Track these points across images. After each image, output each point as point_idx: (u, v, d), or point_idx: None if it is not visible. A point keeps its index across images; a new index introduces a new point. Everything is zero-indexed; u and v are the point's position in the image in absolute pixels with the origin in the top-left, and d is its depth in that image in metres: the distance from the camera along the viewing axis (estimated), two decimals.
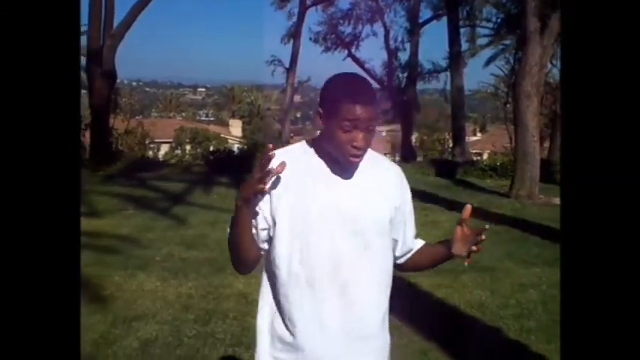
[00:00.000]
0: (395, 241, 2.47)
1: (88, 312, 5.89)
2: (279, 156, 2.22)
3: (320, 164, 2.32)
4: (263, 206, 2.28)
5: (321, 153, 2.33)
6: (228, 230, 2.33)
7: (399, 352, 5.13)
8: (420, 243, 2.59)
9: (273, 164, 2.17)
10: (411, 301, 6.37)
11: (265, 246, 2.34)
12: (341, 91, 2.21)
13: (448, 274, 7.43)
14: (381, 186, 2.38)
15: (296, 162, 2.28)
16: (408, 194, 2.50)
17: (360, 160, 2.27)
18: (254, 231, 2.31)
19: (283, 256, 2.29)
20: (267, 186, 2.19)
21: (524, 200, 13.58)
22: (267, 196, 2.27)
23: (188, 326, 5.68)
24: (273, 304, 2.36)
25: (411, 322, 5.62)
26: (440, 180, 17.67)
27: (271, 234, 2.30)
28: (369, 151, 2.34)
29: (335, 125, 2.20)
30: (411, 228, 2.53)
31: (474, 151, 34.79)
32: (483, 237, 2.35)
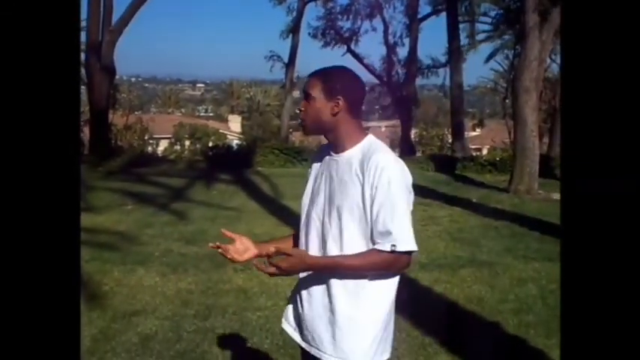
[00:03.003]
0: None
1: (87, 307, 5.89)
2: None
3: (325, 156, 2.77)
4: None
5: None
6: None
7: (399, 346, 5.14)
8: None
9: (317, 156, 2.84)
10: (410, 295, 6.37)
11: None
12: None
13: (447, 269, 7.44)
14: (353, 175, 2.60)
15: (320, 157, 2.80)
16: (376, 185, 2.52)
17: (304, 128, 2.72)
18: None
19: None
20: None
21: (524, 195, 13.58)
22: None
23: (188, 321, 5.68)
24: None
25: (411, 317, 5.62)
26: (439, 175, 17.68)
27: None
28: (374, 141, 2.66)
29: None
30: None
31: (473, 147, 34.76)
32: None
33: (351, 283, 2.58)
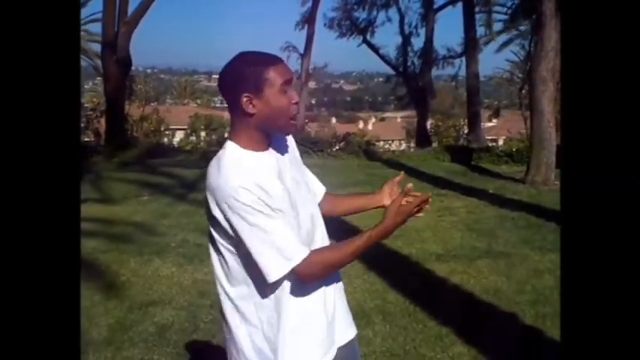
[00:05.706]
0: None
1: (104, 297, 5.93)
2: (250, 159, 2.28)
3: (270, 159, 2.35)
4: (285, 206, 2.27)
5: (256, 147, 2.32)
6: (353, 251, 2.29)
7: (415, 336, 5.15)
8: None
9: (264, 169, 2.26)
10: (426, 286, 6.37)
11: None
12: (263, 63, 2.28)
13: (463, 259, 7.42)
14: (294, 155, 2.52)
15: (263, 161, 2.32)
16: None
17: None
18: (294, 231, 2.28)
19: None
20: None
21: (540, 186, 13.49)
22: (278, 198, 2.24)
23: (204, 311, 5.70)
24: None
25: (427, 308, 5.62)
26: (455, 166, 17.61)
27: None
28: None
29: (276, 93, 2.25)
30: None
31: (489, 137, 34.57)
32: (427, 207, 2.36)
33: None
